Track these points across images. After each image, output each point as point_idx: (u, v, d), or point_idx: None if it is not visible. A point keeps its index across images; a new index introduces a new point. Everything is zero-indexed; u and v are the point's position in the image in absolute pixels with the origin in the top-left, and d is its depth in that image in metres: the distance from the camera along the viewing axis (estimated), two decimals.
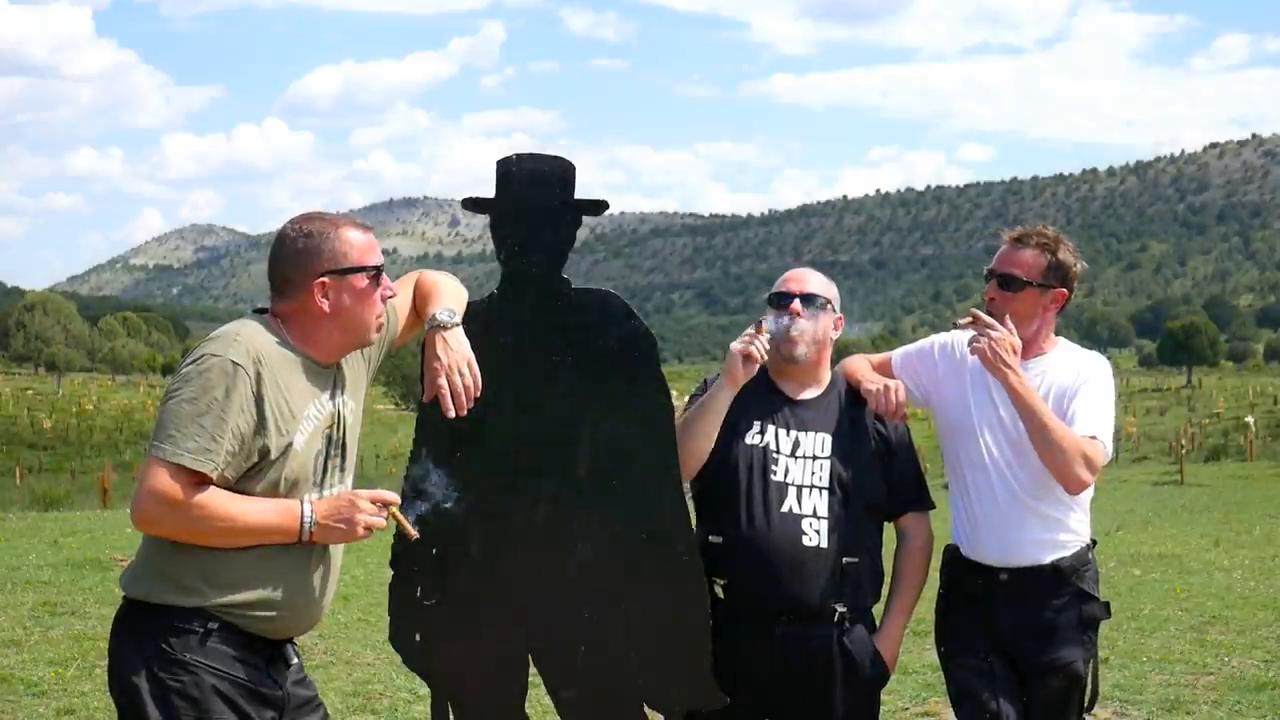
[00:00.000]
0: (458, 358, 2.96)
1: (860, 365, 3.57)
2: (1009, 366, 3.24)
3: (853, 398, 3.45)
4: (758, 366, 3.24)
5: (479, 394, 2.96)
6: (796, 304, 3.34)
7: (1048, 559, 3.39)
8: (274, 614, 2.75)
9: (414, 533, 2.86)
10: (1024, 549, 3.39)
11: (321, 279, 2.78)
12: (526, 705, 3.34)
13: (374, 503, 2.74)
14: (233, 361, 2.65)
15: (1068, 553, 3.42)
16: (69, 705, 5.92)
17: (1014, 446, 3.36)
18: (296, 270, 2.79)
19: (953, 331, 3.56)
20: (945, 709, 6.03)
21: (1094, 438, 3.30)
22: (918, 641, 7.04)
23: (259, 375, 2.67)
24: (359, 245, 2.80)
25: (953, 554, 3.55)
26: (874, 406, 3.39)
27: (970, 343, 3.32)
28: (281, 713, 2.79)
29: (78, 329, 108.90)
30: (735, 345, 3.22)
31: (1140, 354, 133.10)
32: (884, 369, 3.60)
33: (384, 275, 2.85)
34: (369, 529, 2.71)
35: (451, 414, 2.92)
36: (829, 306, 3.39)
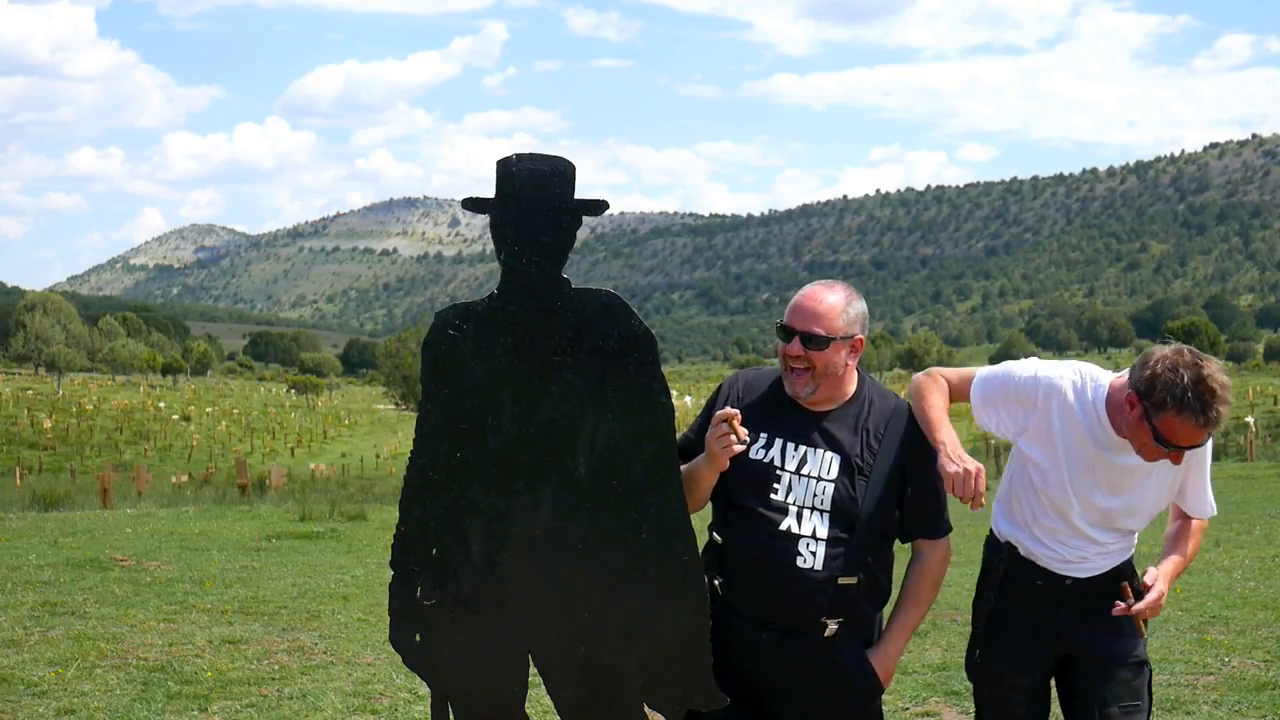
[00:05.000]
0: None
1: (936, 414, 3.36)
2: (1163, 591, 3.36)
3: (876, 413, 3.34)
4: None
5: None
6: (796, 345, 3.28)
7: (1111, 568, 3.45)
8: None
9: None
10: (1091, 567, 3.44)
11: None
12: (526, 705, 3.34)
13: None
14: None
15: (1125, 558, 3.48)
16: (69, 705, 5.92)
17: (1105, 516, 3.39)
18: None
19: (1061, 371, 3.41)
20: (945, 708, 6.03)
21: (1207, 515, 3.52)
22: (918, 641, 7.05)
23: None
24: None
25: (1010, 551, 3.49)
26: (949, 489, 3.24)
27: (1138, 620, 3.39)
28: None
29: (78, 329, 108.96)
30: (717, 447, 3.16)
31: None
32: (962, 390, 3.49)
33: None
34: None
35: None
36: (837, 341, 3.27)
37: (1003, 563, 3.48)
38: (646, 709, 3.26)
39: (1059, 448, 3.36)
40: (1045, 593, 3.44)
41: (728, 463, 3.19)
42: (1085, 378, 3.39)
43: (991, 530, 3.58)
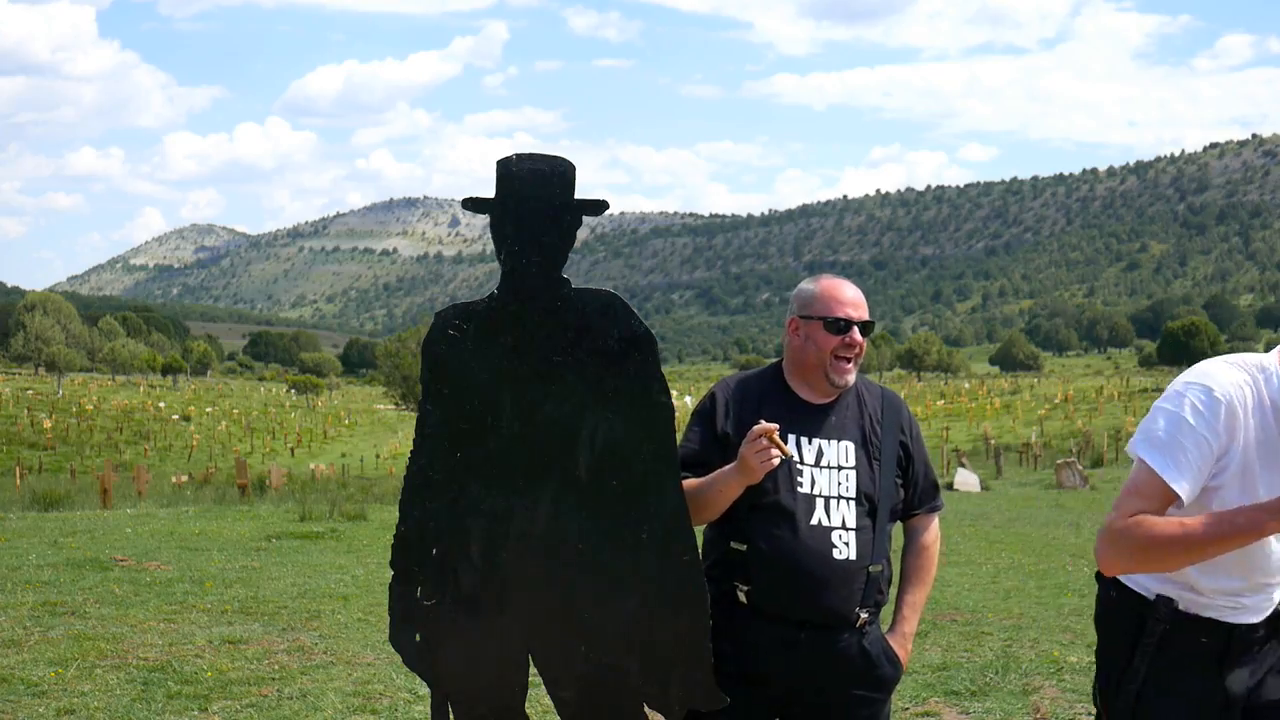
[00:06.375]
0: None
1: (1189, 528, 2.54)
2: None
3: (871, 397, 3.40)
4: None
5: None
6: (856, 334, 3.30)
7: None
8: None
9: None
10: (1269, 605, 2.82)
11: None
12: (526, 705, 3.34)
13: None
14: None
15: None
16: (69, 705, 5.92)
17: None
18: None
19: (1231, 378, 2.67)
20: (945, 709, 6.03)
21: None
22: (917, 641, 7.05)
23: None
24: None
25: (1169, 607, 2.76)
26: None
27: None
28: None
29: (78, 329, 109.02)
30: (756, 462, 3.09)
31: (1140, 354, 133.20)
32: (1158, 500, 2.62)
33: None
34: None
35: None
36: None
37: (1160, 624, 2.75)
38: (646, 709, 3.26)
39: (1257, 471, 2.69)
40: (1210, 651, 2.74)
41: (762, 476, 3.17)
42: (1249, 369, 2.72)
43: (1122, 584, 2.84)
